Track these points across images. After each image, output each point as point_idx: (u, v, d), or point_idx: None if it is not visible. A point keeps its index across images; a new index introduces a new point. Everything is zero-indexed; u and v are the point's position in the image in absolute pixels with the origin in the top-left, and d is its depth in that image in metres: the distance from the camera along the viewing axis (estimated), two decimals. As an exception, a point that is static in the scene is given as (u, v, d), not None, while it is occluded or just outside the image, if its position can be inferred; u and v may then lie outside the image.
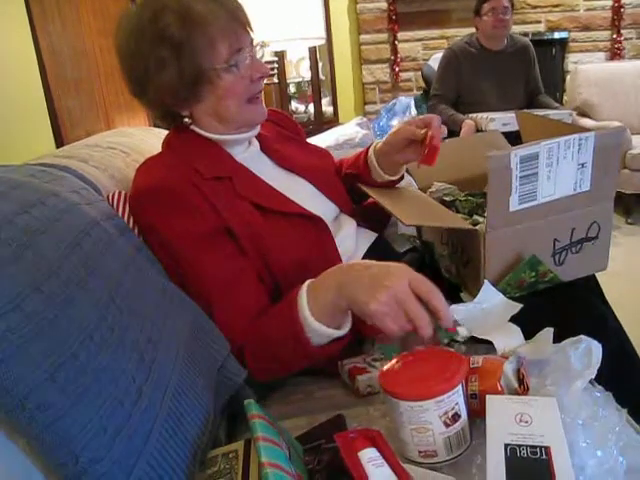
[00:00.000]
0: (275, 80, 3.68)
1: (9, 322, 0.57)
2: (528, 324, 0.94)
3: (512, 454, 0.65)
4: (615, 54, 4.76)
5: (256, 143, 1.21)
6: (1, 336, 0.56)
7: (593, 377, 0.80)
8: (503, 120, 2.78)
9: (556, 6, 4.69)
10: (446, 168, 1.23)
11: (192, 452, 0.75)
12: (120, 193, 1.07)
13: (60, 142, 4.51)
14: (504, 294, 1.06)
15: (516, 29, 3.90)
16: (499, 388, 0.76)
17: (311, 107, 4.36)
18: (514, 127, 1.73)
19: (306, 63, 4.41)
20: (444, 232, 1.27)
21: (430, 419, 0.71)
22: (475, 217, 1.27)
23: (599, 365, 0.80)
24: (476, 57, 3.21)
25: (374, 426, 0.79)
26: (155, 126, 1.70)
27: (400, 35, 4.66)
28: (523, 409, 0.71)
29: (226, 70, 1.05)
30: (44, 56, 4.46)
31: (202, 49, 1.02)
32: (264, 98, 1.15)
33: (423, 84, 3.89)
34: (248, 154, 1.17)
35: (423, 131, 1.14)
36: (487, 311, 1.02)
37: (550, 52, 4.81)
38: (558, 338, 0.87)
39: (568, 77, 4.40)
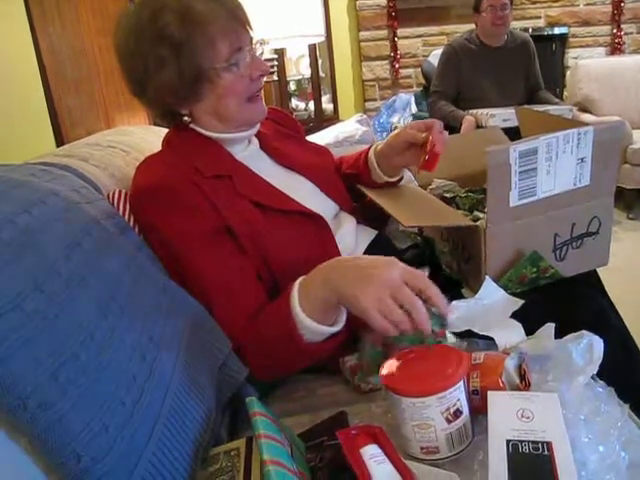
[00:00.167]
0: (275, 78, 3.68)
1: (10, 322, 0.57)
2: (529, 320, 0.94)
3: (514, 450, 0.65)
4: (615, 49, 4.75)
5: (256, 141, 1.21)
6: (2, 336, 0.56)
7: (595, 372, 0.80)
8: (503, 116, 2.78)
9: (556, 1, 4.68)
10: (446, 165, 1.23)
11: (194, 450, 0.75)
12: (120, 192, 1.07)
13: (60, 141, 4.51)
14: (505, 290, 1.06)
15: (516, 25, 3.90)
16: (501, 384, 0.76)
17: (311, 104, 4.36)
18: (514, 123, 1.73)
19: (306, 60, 4.41)
20: (444, 229, 1.27)
21: (432, 415, 0.71)
22: (476, 213, 1.27)
23: (601, 360, 0.80)
24: (476, 53, 3.21)
25: (376, 423, 0.79)
26: (155, 124, 1.70)
27: (400, 32, 4.66)
28: (525, 405, 0.71)
29: (226, 69, 1.05)
30: (44, 56, 4.46)
31: (202, 48, 1.02)
32: (264, 96, 1.15)
33: (423, 81, 3.89)
34: (248, 152, 1.17)
35: (424, 135, 1.14)
36: (488, 307, 1.01)
37: (550, 47, 4.80)
38: (559, 334, 0.86)
39: (568, 72, 4.39)
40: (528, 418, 0.69)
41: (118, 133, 1.45)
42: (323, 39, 3.52)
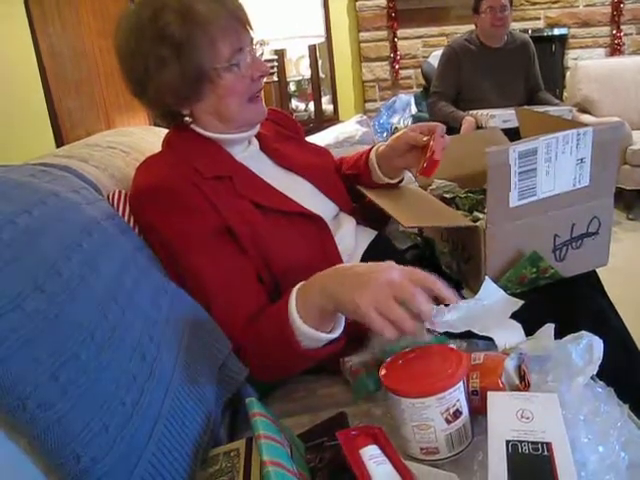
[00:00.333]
0: (275, 79, 3.68)
1: (10, 322, 0.57)
2: (529, 320, 0.94)
3: (514, 450, 0.65)
4: (615, 50, 4.75)
5: (255, 142, 1.21)
6: (2, 336, 0.56)
7: (594, 373, 0.80)
8: (503, 117, 2.78)
9: (555, 2, 4.69)
10: (446, 165, 1.23)
11: (193, 451, 0.75)
12: (120, 192, 1.07)
13: (60, 142, 4.52)
14: (505, 290, 1.06)
15: (515, 26, 3.90)
16: (500, 384, 0.76)
17: (311, 105, 4.36)
18: (514, 124, 1.73)
19: (306, 61, 4.42)
20: (444, 229, 1.27)
21: (432, 416, 0.71)
22: (475, 214, 1.27)
23: (600, 361, 0.80)
24: (476, 54, 3.21)
25: (376, 423, 0.79)
26: (155, 125, 1.70)
27: (400, 32, 4.66)
28: (524, 405, 0.71)
29: (227, 69, 1.05)
30: (44, 57, 4.46)
31: (203, 48, 1.02)
32: (264, 97, 1.15)
33: (423, 81, 3.89)
34: (248, 153, 1.17)
35: (426, 138, 1.14)
36: (488, 307, 1.01)
37: (550, 48, 4.81)
38: (559, 334, 0.86)
39: (568, 73, 4.39)
40: (528, 419, 0.69)
41: (118, 134, 1.45)
42: (323, 40, 3.53)
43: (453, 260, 1.24)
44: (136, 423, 0.67)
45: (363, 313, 0.76)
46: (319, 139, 2.14)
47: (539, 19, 4.73)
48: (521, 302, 1.01)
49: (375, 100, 4.80)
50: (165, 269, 1.01)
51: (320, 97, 4.42)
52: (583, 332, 0.84)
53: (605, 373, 0.82)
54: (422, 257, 1.32)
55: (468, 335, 0.94)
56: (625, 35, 4.75)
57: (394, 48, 4.68)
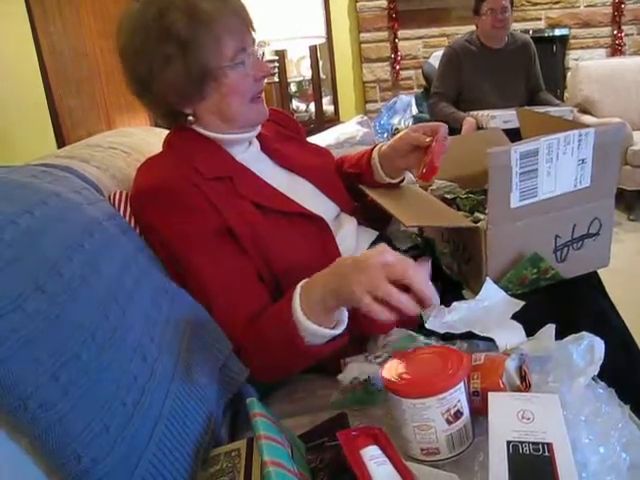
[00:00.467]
0: (276, 79, 3.68)
1: (11, 322, 0.57)
2: (530, 321, 0.94)
3: (514, 451, 0.65)
4: (616, 50, 4.75)
5: (256, 143, 1.21)
6: (3, 336, 0.56)
7: (595, 374, 0.80)
8: (504, 117, 2.78)
9: (556, 3, 4.69)
10: (447, 166, 1.23)
11: (194, 451, 0.75)
12: (121, 193, 1.07)
13: (61, 142, 4.52)
14: (506, 291, 1.06)
15: (516, 26, 3.90)
16: (501, 385, 0.76)
17: (312, 106, 4.37)
18: (515, 124, 1.73)
19: (307, 62, 4.42)
20: (445, 230, 1.27)
21: (432, 416, 0.71)
22: (476, 214, 1.27)
23: (601, 361, 0.80)
24: (477, 55, 3.21)
25: (376, 424, 0.79)
26: (156, 126, 1.70)
27: (400, 33, 4.67)
28: (525, 406, 0.71)
29: (231, 68, 1.05)
30: (45, 57, 4.47)
31: (208, 47, 1.02)
32: (265, 97, 1.16)
33: (424, 82, 3.89)
34: (248, 154, 1.17)
35: (428, 139, 1.14)
36: (489, 308, 1.01)
37: (551, 49, 4.81)
38: (560, 335, 0.86)
39: (569, 74, 4.39)
40: (529, 419, 0.69)
41: (119, 134, 1.46)
42: (324, 41, 3.52)
43: (454, 261, 1.24)
44: (137, 423, 0.67)
45: (358, 298, 0.77)
46: (320, 140, 2.15)
47: (540, 19, 4.73)
48: (522, 303, 1.01)
49: (376, 101, 4.80)
50: (166, 269, 1.01)
51: (321, 98, 4.43)
52: (584, 333, 0.84)
53: (606, 374, 0.82)
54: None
55: (469, 336, 0.94)
56: (626, 35, 4.75)
57: (395, 49, 4.68)
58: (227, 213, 1.02)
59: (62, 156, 1.12)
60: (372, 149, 1.32)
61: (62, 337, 0.62)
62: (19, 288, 0.61)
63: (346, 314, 0.90)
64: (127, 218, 1.03)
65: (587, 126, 1.09)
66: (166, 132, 1.18)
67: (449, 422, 0.71)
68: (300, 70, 4.57)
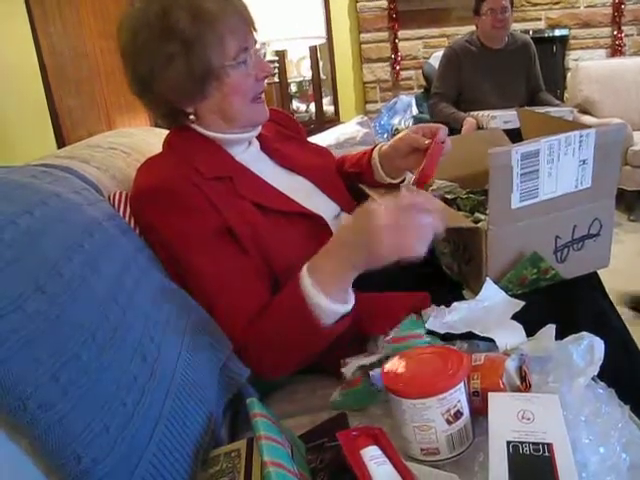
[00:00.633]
0: (276, 79, 3.69)
1: (11, 323, 0.57)
2: (530, 321, 0.94)
3: (514, 451, 0.65)
4: (616, 51, 4.75)
5: (256, 143, 1.21)
6: (3, 337, 0.56)
7: (595, 374, 0.80)
8: (504, 118, 2.78)
9: (556, 3, 4.69)
10: (447, 166, 1.23)
11: (194, 451, 0.75)
12: (121, 193, 1.07)
13: (61, 143, 4.52)
14: (506, 291, 1.06)
15: (516, 27, 3.90)
16: (501, 385, 0.76)
17: (312, 106, 4.37)
18: (515, 125, 1.73)
19: (307, 62, 4.43)
20: (445, 230, 1.27)
21: (432, 417, 0.71)
22: (477, 215, 1.27)
23: (601, 362, 0.80)
24: (477, 55, 3.21)
25: (376, 424, 0.79)
26: (156, 126, 1.70)
27: (400, 34, 4.67)
28: (525, 406, 0.71)
29: (234, 67, 1.05)
30: (45, 57, 4.47)
31: (212, 46, 1.02)
32: (265, 98, 1.16)
33: (424, 82, 3.89)
34: (248, 154, 1.17)
35: (428, 141, 1.14)
36: (489, 309, 1.01)
37: (551, 49, 4.81)
38: (560, 335, 0.86)
39: (569, 74, 4.39)
40: (529, 419, 0.69)
41: (119, 135, 1.45)
42: (324, 41, 3.52)
43: (454, 261, 1.24)
44: (137, 424, 0.67)
45: (386, 254, 0.84)
46: (320, 140, 2.15)
47: (540, 20, 4.73)
48: (522, 303, 1.02)
49: (376, 101, 4.80)
50: (166, 270, 1.01)
51: (321, 98, 4.43)
52: (584, 333, 0.84)
53: (606, 374, 0.82)
54: (422, 257, 1.32)
55: (469, 336, 0.95)
56: (626, 36, 4.75)
57: (395, 49, 4.68)
58: (227, 213, 1.02)
59: (62, 156, 1.12)
60: (372, 149, 1.32)
61: (62, 337, 0.62)
62: (19, 288, 0.61)
63: (352, 292, 0.92)
64: (127, 218, 1.03)
65: (588, 127, 1.09)
66: (166, 132, 1.18)
67: (449, 422, 0.71)
68: (300, 70, 4.57)
